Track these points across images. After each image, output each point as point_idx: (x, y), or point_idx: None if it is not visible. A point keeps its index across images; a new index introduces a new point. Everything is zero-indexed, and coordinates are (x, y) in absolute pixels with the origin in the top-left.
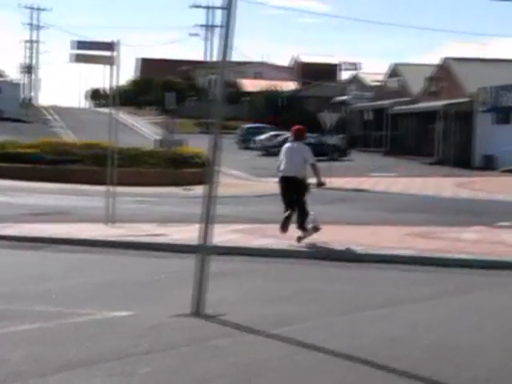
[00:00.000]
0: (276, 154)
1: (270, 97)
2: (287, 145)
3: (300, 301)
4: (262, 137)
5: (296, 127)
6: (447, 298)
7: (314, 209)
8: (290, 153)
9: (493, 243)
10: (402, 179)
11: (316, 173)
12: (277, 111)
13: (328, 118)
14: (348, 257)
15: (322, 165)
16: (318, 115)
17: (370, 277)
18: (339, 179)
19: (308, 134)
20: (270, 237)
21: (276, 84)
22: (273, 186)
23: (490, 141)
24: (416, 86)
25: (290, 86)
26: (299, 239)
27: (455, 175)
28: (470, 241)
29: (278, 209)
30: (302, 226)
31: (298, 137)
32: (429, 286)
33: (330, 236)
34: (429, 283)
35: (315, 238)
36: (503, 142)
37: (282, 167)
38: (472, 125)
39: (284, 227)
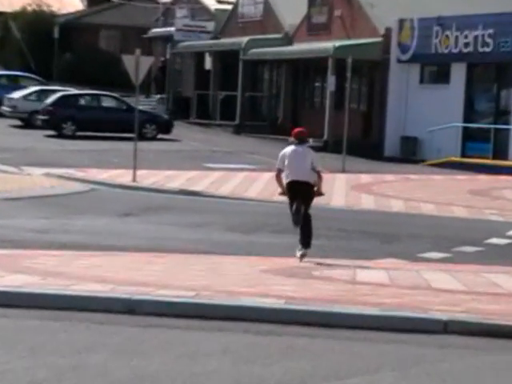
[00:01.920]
0: (41, 127)
1: (37, 23)
2: (292, 148)
3: None
4: (18, 94)
5: (297, 130)
6: None
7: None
8: (299, 157)
9: (414, 289)
10: (264, 175)
11: (319, 181)
12: (47, 50)
13: (136, 65)
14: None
15: (125, 147)
16: (121, 59)
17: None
18: (156, 173)
19: (104, 92)
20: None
21: (49, 2)
22: (41, 181)
23: (411, 114)
24: (291, 16)
25: (73, 4)
26: (302, 257)
27: (353, 170)
28: (373, 284)
29: (46, 221)
30: (308, 243)
31: (303, 140)
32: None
33: (123, 276)
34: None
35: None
36: (434, 115)
37: (291, 171)
38: (383, 85)
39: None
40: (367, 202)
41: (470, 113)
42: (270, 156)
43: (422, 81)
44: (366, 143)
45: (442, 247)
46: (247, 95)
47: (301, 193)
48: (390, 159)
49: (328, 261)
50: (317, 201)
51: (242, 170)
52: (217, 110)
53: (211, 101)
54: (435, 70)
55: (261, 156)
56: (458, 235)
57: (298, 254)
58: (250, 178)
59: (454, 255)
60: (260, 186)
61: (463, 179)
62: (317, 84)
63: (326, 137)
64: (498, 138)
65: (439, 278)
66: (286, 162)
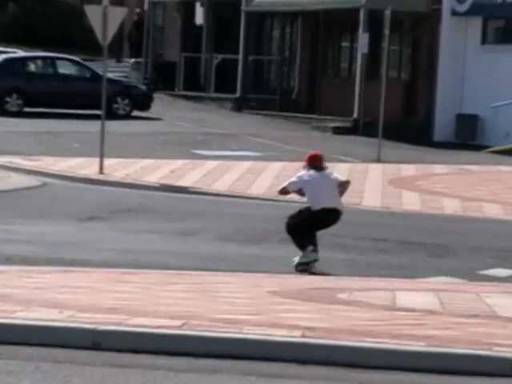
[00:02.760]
0: None
1: None
2: (314, 174)
3: None
4: None
5: (315, 155)
6: None
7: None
8: (327, 183)
9: (473, 318)
10: (273, 165)
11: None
12: None
13: (104, 20)
14: None
15: (89, 128)
16: (83, 11)
17: None
18: (129, 163)
19: (61, 55)
20: None
21: None
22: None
23: (470, 85)
24: None
25: None
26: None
27: (392, 160)
28: (419, 311)
29: None
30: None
31: (322, 166)
32: None
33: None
34: None
35: None
36: (501, 86)
37: (322, 198)
38: (433, 47)
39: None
40: (410, 202)
41: None
42: (280, 140)
43: (484, 40)
44: (408, 124)
45: (510, 262)
46: (251, 59)
47: (330, 220)
48: (442, 145)
49: (359, 280)
50: (344, 200)
51: (243, 158)
52: (211, 80)
53: (203, 67)
54: (503, 25)
55: (268, 140)
56: None
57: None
58: (255, 170)
59: None
60: (267, 179)
61: None
62: (344, 44)
63: (355, 115)
64: None
65: (507, 304)
66: (311, 189)
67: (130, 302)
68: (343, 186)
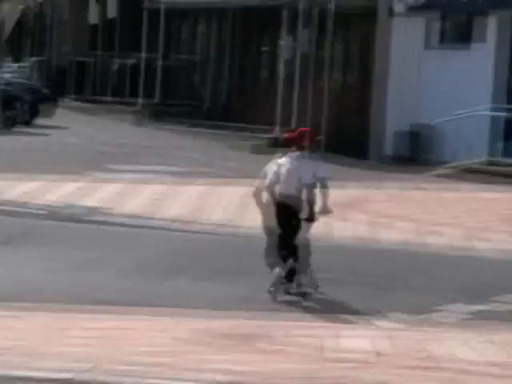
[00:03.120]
0: None
1: None
2: (292, 157)
3: None
4: None
5: (302, 131)
6: None
7: None
8: (298, 168)
9: (427, 368)
10: (195, 183)
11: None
12: None
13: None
14: None
15: None
16: None
17: None
18: (18, 182)
19: None
20: None
21: None
22: None
23: (425, 92)
24: None
25: None
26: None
27: (333, 178)
28: (363, 355)
29: None
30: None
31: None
32: None
33: None
34: None
35: None
36: (461, 93)
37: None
38: (380, 48)
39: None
40: (355, 228)
41: None
42: (207, 153)
43: (441, 40)
44: (351, 137)
45: (473, 297)
46: (173, 60)
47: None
48: (392, 161)
49: (287, 322)
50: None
51: (163, 173)
52: (121, 84)
53: (114, 70)
54: (462, 22)
55: (194, 153)
56: (499, 278)
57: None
58: (173, 189)
59: (493, 309)
60: (189, 199)
61: (510, 192)
62: (264, 49)
63: (277, 129)
64: None
65: (470, 348)
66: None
67: (12, 347)
68: (323, 194)
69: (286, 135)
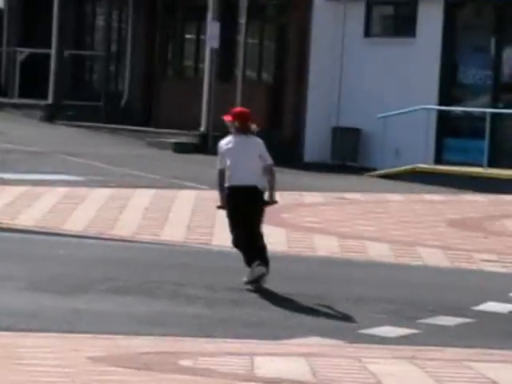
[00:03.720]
0: None
1: None
2: (232, 139)
3: None
4: None
5: (240, 110)
6: None
7: None
8: (243, 151)
9: None
10: (97, 193)
11: (273, 182)
12: None
13: None
14: None
15: None
16: None
17: None
18: None
19: None
20: None
21: None
22: None
23: (351, 89)
24: None
25: None
26: (261, 278)
27: None
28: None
29: None
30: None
31: (247, 126)
32: None
33: None
34: None
35: None
36: (390, 92)
37: (233, 173)
38: (303, 40)
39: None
40: (274, 241)
41: (450, 87)
42: (105, 160)
43: (367, 32)
44: (272, 139)
45: (402, 318)
46: (67, 55)
47: (247, 203)
48: (314, 166)
49: (208, 342)
50: (186, 238)
51: (57, 184)
52: (14, 81)
53: (4, 64)
54: (392, 12)
55: (90, 160)
56: (430, 297)
57: (253, 275)
58: (72, 199)
59: (423, 331)
60: (90, 211)
61: (439, 201)
62: (188, 36)
63: (203, 128)
64: (497, 132)
65: (398, 373)
66: (226, 161)
67: None
68: (270, 174)
69: (245, 111)
